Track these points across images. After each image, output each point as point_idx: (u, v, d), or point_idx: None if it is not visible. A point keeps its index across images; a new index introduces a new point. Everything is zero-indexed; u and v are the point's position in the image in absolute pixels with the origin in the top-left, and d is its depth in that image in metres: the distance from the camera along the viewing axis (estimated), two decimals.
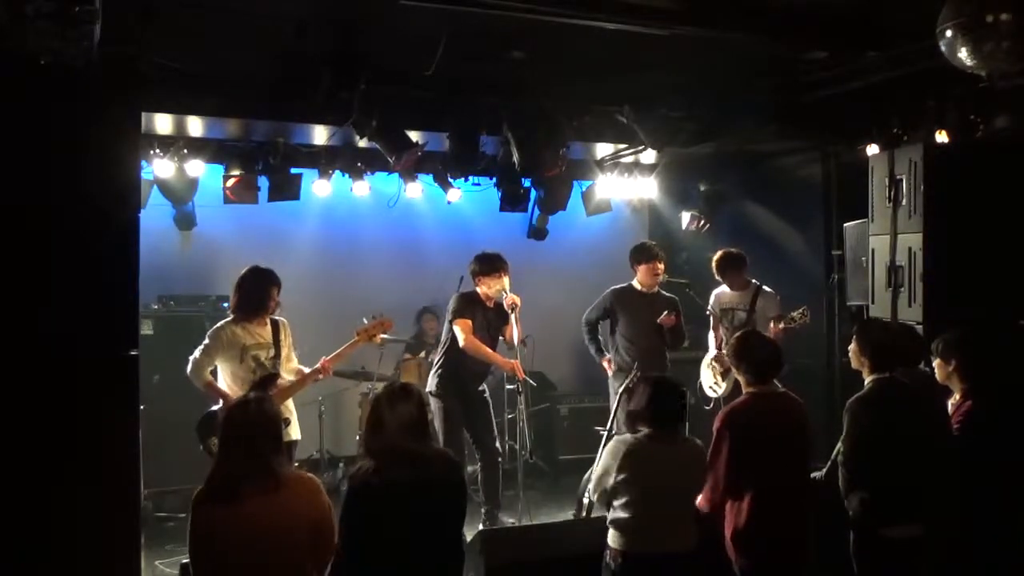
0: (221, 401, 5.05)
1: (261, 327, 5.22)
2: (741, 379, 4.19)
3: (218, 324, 5.24)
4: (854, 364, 4.21)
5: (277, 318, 5.32)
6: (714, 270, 6.65)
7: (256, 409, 3.30)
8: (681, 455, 3.91)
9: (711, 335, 6.67)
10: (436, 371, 6.13)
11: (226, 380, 5.17)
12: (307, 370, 5.30)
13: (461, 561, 3.57)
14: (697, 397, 6.80)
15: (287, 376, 5.27)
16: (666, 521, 3.84)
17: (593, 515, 5.00)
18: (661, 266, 6.48)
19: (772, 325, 6.11)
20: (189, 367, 5.13)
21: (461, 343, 5.89)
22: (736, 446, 3.92)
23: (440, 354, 6.18)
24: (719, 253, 6.67)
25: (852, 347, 4.19)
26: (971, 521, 4.00)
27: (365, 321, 5.59)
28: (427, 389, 6.16)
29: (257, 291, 5.20)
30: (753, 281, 6.56)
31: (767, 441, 3.93)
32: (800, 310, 6.16)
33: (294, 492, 3.21)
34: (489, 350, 5.99)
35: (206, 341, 5.16)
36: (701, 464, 3.97)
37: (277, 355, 5.21)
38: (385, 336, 7.36)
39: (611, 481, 3.84)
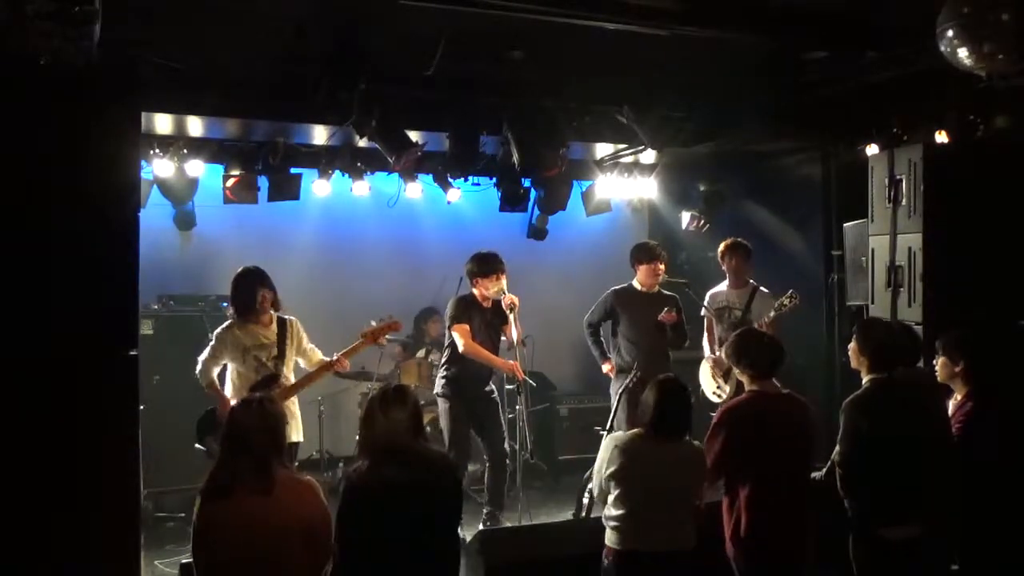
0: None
1: (264, 327, 5.27)
2: (743, 378, 4.19)
3: (222, 326, 5.31)
4: (853, 363, 4.21)
5: (286, 317, 5.35)
6: (720, 256, 6.58)
7: (257, 410, 3.31)
8: (676, 455, 3.90)
9: (705, 338, 6.63)
10: (442, 373, 6.11)
11: (232, 379, 5.26)
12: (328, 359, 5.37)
13: (457, 561, 3.58)
14: (698, 398, 6.80)
15: (309, 369, 5.35)
16: (660, 520, 3.84)
17: (593, 515, 5.00)
18: (662, 266, 6.44)
19: (760, 325, 6.04)
20: (198, 367, 5.22)
21: (460, 349, 5.88)
22: (731, 442, 3.93)
23: (445, 356, 6.16)
24: (729, 240, 6.61)
25: (852, 346, 4.18)
26: (970, 522, 4.01)
27: (374, 323, 5.54)
28: (434, 391, 6.16)
29: (244, 293, 5.25)
30: (751, 281, 6.55)
31: (767, 441, 3.93)
32: (787, 294, 6.10)
33: (289, 494, 3.22)
34: (488, 353, 5.96)
35: (212, 342, 5.25)
36: (699, 464, 3.96)
37: (280, 356, 5.23)
38: (386, 336, 7.39)
39: (604, 479, 3.86)
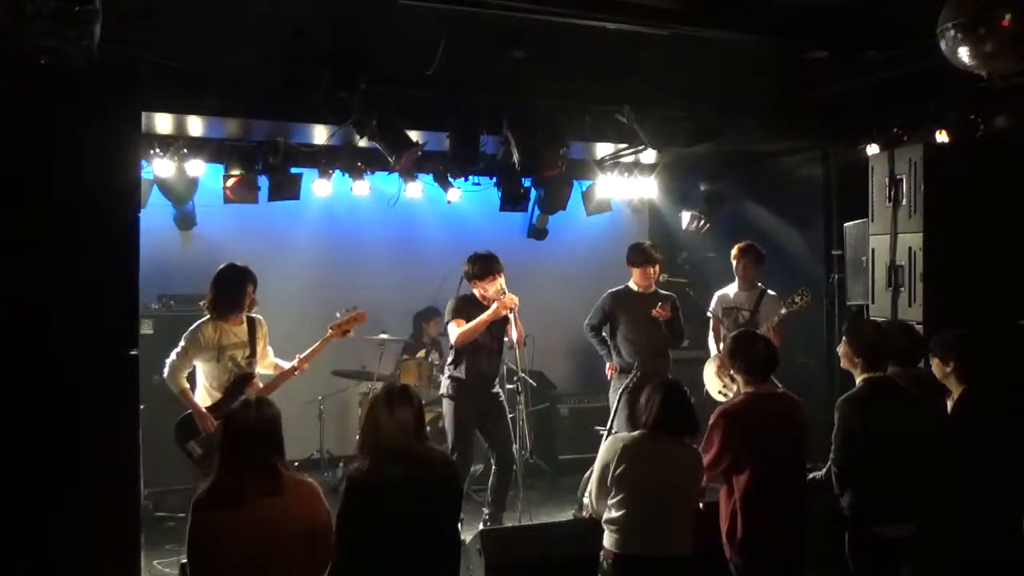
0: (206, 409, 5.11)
1: (237, 326, 5.21)
2: (738, 378, 4.19)
3: (194, 325, 5.19)
4: (844, 364, 4.21)
5: (253, 315, 5.31)
6: (733, 257, 6.58)
7: (257, 413, 3.30)
8: (679, 456, 3.90)
9: (711, 337, 6.64)
10: (447, 374, 6.09)
11: (202, 381, 5.19)
12: (285, 364, 5.32)
13: (457, 560, 3.59)
14: (697, 398, 6.80)
15: (263, 371, 5.30)
16: (661, 522, 3.83)
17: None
18: (653, 270, 6.43)
19: (768, 326, 6.07)
20: (166, 371, 5.11)
21: (453, 341, 5.86)
22: (726, 442, 3.93)
23: (450, 358, 6.15)
24: (743, 243, 6.61)
25: (842, 348, 4.18)
26: (965, 520, 4.00)
27: (339, 315, 5.52)
28: (440, 392, 6.15)
29: (234, 288, 5.17)
30: (759, 284, 6.55)
31: (762, 441, 3.93)
32: (799, 291, 6.10)
33: (294, 496, 3.22)
34: (477, 320, 5.78)
35: (182, 343, 5.12)
36: (697, 466, 3.95)
37: (252, 354, 5.21)
38: (384, 336, 7.41)
39: (610, 477, 3.84)
